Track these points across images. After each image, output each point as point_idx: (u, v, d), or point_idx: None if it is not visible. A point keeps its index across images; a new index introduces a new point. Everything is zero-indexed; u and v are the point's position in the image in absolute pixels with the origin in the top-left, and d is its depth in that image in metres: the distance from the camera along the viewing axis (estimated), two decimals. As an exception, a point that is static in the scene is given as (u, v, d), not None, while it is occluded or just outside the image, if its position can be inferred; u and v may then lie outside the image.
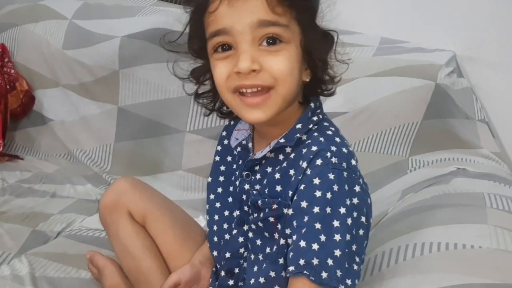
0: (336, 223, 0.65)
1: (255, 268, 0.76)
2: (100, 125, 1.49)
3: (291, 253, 0.66)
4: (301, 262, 0.64)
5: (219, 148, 0.87)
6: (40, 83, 1.57)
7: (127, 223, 0.92)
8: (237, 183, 0.80)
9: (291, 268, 0.65)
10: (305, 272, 0.64)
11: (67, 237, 1.16)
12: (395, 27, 1.32)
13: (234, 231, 0.80)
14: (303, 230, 0.65)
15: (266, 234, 0.74)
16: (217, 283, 0.85)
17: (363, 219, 0.68)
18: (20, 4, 1.64)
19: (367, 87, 1.23)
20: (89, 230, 1.18)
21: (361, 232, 0.67)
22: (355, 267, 0.66)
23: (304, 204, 0.66)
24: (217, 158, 0.86)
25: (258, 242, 0.76)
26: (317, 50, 0.69)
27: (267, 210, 0.72)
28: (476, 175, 1.09)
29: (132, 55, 1.42)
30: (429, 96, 1.20)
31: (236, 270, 0.81)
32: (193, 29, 0.72)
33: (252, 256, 0.77)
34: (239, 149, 0.81)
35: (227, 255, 0.81)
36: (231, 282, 0.82)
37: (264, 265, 0.75)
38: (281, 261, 0.73)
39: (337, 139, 0.70)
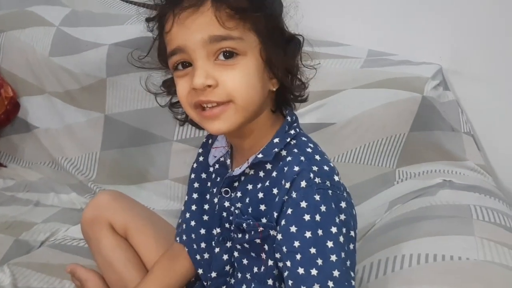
0: (330, 244, 0.65)
1: (244, 287, 0.76)
2: (86, 133, 1.47)
3: (290, 281, 0.66)
4: None
5: (194, 165, 0.87)
6: (25, 90, 1.55)
7: (109, 236, 0.91)
8: (216, 200, 0.79)
9: None
10: None
11: (50, 247, 1.14)
12: (382, 40, 1.33)
13: (217, 249, 0.78)
14: (298, 256, 0.65)
15: (253, 254, 0.74)
16: None
17: (352, 233, 0.69)
18: (7, 10, 1.62)
19: (354, 98, 1.24)
20: (74, 239, 1.16)
21: (351, 246, 0.68)
22: (352, 282, 0.67)
23: (293, 229, 0.66)
24: (192, 176, 0.86)
25: (245, 261, 0.75)
26: (280, 58, 0.68)
27: (252, 232, 0.71)
28: (462, 187, 1.10)
29: (120, 63, 1.41)
30: (415, 108, 1.21)
31: None
32: (159, 46, 0.73)
33: (240, 275, 0.76)
34: (217, 166, 0.81)
35: (213, 274, 0.79)
36: None
37: (253, 284, 0.74)
38: (269, 282, 0.73)
39: (317, 157, 0.70)
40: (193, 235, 0.83)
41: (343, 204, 0.68)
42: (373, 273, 0.83)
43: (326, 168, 0.69)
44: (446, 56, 1.28)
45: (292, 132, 0.73)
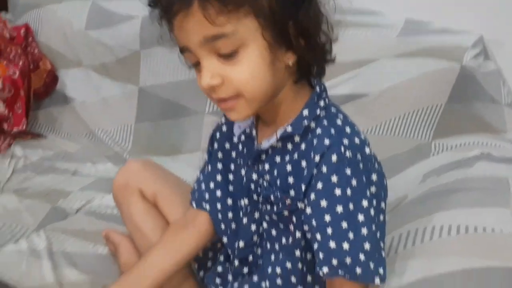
0: (361, 217, 0.65)
1: (272, 257, 0.76)
2: (121, 105, 1.50)
3: (321, 254, 0.66)
4: (334, 262, 0.64)
5: (217, 135, 0.86)
6: (62, 63, 1.58)
7: (138, 202, 0.92)
8: (242, 172, 0.78)
9: (325, 270, 0.65)
10: (340, 272, 0.65)
11: (85, 214, 1.17)
12: (420, 8, 1.28)
13: (245, 220, 0.78)
14: (329, 231, 0.65)
15: (281, 225, 0.74)
16: (230, 274, 0.83)
17: (382, 205, 0.69)
18: (44, -15, 1.65)
19: (389, 68, 1.20)
20: (108, 207, 1.19)
21: (381, 217, 0.68)
22: (383, 253, 0.67)
23: (324, 203, 0.65)
24: (215, 145, 0.85)
25: (273, 232, 0.75)
26: (289, 31, 0.64)
27: (280, 204, 0.71)
28: (501, 160, 1.05)
29: (153, 35, 1.40)
30: (454, 78, 1.16)
31: (250, 258, 0.80)
32: None
33: (268, 245, 0.76)
34: (243, 137, 0.80)
35: (241, 244, 0.79)
36: (245, 270, 0.81)
37: (281, 255, 0.75)
38: (297, 253, 0.73)
39: (348, 129, 0.69)
40: (218, 205, 0.83)
41: (374, 177, 0.67)
42: (402, 243, 0.81)
43: (357, 140, 0.68)
44: (487, 24, 1.22)
45: (322, 103, 0.71)
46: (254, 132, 0.77)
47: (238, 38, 0.62)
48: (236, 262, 0.81)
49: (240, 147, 0.81)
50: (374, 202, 0.66)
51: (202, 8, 0.60)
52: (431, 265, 0.72)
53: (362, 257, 0.64)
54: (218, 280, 0.85)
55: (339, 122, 0.69)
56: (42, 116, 1.61)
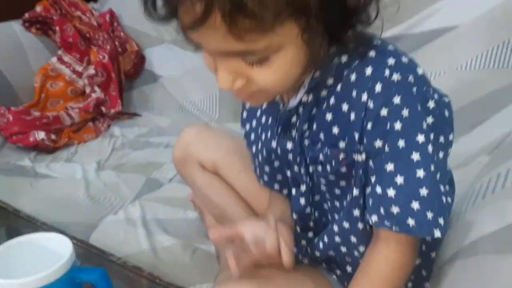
0: (415, 157, 0.53)
1: (336, 216, 0.66)
2: (204, 75, 1.51)
3: (371, 200, 0.57)
4: (381, 211, 0.55)
5: (245, 114, 0.77)
6: (147, 42, 1.64)
7: (200, 174, 0.88)
8: (273, 144, 0.67)
9: (374, 218, 0.56)
10: (386, 223, 0.55)
11: (178, 182, 1.20)
12: None
13: (293, 191, 0.69)
14: (378, 174, 0.56)
15: (343, 182, 0.62)
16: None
17: (441, 139, 0.57)
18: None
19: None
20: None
21: (441, 154, 0.57)
22: (444, 199, 0.55)
23: (378, 143, 0.55)
24: (247, 127, 0.75)
25: (337, 191, 0.64)
26: (337, 26, 0.52)
27: (333, 162, 0.60)
28: None
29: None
30: None
31: (311, 224, 0.72)
32: None
33: (329, 204, 0.67)
34: (264, 105, 0.70)
35: (294, 216, 0.71)
36: (310, 235, 0.73)
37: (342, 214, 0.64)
38: (355, 212, 0.61)
39: (391, 47, 0.57)
40: (265, 178, 0.76)
41: (431, 104, 0.55)
42: (500, 183, 0.70)
43: (404, 60, 0.56)
44: None
45: (372, 53, 0.56)
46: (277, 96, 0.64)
47: (272, 48, 0.51)
48: (298, 229, 0.73)
49: (264, 118, 0.70)
50: (432, 136, 0.54)
51: (227, 23, 0.47)
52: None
53: (416, 205, 0.53)
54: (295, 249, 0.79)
55: (379, 43, 0.57)
56: (135, 96, 1.68)
